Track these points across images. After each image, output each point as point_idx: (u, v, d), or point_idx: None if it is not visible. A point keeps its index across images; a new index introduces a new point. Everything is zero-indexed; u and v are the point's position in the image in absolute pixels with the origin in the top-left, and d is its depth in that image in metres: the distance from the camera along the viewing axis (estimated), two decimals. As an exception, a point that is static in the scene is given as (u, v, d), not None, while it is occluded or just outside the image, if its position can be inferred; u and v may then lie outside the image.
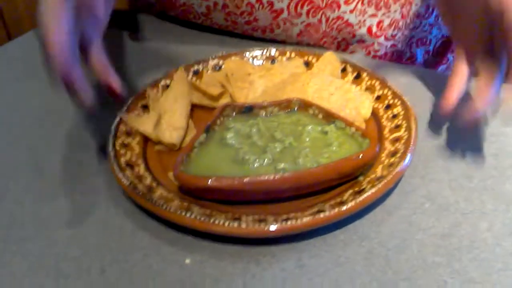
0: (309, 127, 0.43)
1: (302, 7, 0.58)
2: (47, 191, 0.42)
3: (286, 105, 0.46)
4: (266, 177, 0.37)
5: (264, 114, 0.45)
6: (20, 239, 0.38)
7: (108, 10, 0.46)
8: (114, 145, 0.42)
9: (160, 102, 0.48)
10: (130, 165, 0.41)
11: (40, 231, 0.39)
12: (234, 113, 0.45)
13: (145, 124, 0.45)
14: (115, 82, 0.41)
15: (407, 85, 0.53)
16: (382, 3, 0.59)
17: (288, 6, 0.58)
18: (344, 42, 0.61)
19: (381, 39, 0.61)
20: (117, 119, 0.45)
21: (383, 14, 0.59)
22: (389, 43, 0.62)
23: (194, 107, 0.49)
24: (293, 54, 0.54)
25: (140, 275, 0.35)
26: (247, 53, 0.55)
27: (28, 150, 0.47)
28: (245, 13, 0.60)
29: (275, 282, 0.35)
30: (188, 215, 0.36)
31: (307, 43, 0.62)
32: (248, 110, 0.45)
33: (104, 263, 0.36)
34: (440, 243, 0.37)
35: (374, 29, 0.60)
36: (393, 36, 0.62)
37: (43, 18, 0.37)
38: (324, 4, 0.58)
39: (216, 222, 0.35)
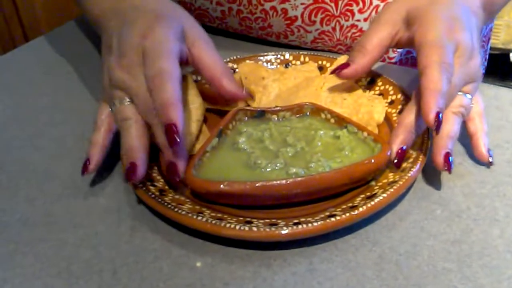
0: (321, 132, 0.43)
1: (316, 15, 0.58)
2: (59, 192, 0.43)
3: (298, 110, 0.46)
4: (277, 182, 0.37)
5: (276, 118, 0.45)
6: (31, 239, 0.39)
7: None
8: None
9: None
10: (143, 167, 0.42)
11: (52, 232, 0.39)
12: (246, 118, 0.45)
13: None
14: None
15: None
16: None
17: (302, 14, 0.58)
18: None
19: None
20: None
21: None
22: (403, 51, 0.62)
23: (207, 112, 0.49)
24: (307, 59, 0.55)
25: (151, 277, 0.35)
26: (261, 57, 0.55)
27: (41, 151, 0.48)
28: (259, 19, 0.60)
29: (285, 286, 0.35)
30: (199, 218, 0.36)
31: (321, 50, 0.62)
32: (260, 114, 0.45)
33: (115, 265, 0.36)
34: (451, 249, 0.37)
35: None
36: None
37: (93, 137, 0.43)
38: (338, 12, 0.58)
39: (227, 225, 0.35)
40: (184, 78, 0.50)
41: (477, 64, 0.44)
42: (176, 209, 0.37)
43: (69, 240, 0.39)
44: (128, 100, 0.41)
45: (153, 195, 0.38)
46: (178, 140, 0.36)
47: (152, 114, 0.39)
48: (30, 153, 0.48)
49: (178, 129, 0.36)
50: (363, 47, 0.45)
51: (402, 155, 0.40)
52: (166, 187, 0.40)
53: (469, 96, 0.43)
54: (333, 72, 0.46)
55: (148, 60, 0.40)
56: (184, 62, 0.45)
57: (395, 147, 0.40)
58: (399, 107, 0.48)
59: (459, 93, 0.43)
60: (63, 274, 0.36)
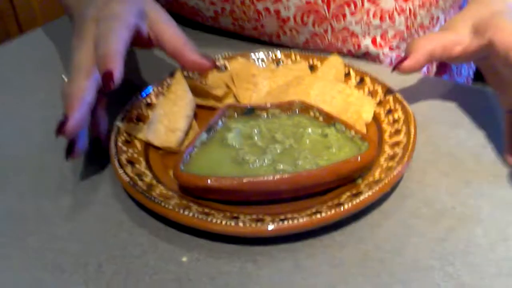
0: (310, 130, 0.43)
1: (308, 16, 0.58)
2: (48, 186, 0.43)
3: (287, 107, 0.46)
4: (265, 178, 0.37)
5: (265, 115, 0.46)
6: (19, 233, 0.39)
7: None
8: (116, 142, 0.43)
9: (159, 107, 0.48)
10: (131, 162, 0.42)
11: (40, 225, 0.39)
12: (236, 114, 0.46)
13: (142, 131, 0.45)
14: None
15: (409, 91, 0.53)
16: (387, 15, 0.59)
17: (294, 16, 0.58)
18: (349, 55, 0.62)
19: (386, 49, 0.62)
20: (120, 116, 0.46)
21: (388, 25, 0.60)
22: (394, 54, 0.63)
23: (198, 108, 0.50)
24: (298, 57, 0.55)
25: (137, 272, 0.36)
26: (253, 55, 0.55)
27: (32, 145, 0.48)
28: (252, 20, 0.61)
29: (271, 281, 0.35)
30: (186, 213, 0.36)
31: (313, 51, 0.62)
32: (250, 111, 0.46)
33: (101, 258, 0.37)
34: (435, 248, 0.38)
35: (379, 39, 0.61)
36: (397, 46, 0.62)
37: (71, 75, 0.40)
38: (330, 15, 0.58)
39: (214, 220, 0.36)
40: (174, 74, 0.50)
41: None
42: (163, 204, 0.37)
43: (58, 234, 0.39)
44: None
45: (140, 190, 0.38)
46: (112, 87, 0.37)
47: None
48: (21, 147, 0.48)
49: (113, 76, 0.37)
50: (421, 46, 0.46)
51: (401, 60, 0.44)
52: (154, 181, 0.40)
53: None
54: (394, 67, 0.47)
55: (100, 23, 0.41)
56: (146, 41, 0.46)
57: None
58: (387, 107, 0.48)
59: None
60: (49, 267, 0.36)
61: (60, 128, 0.38)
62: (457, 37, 0.46)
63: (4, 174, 0.44)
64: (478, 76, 0.76)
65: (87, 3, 0.45)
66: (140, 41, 0.45)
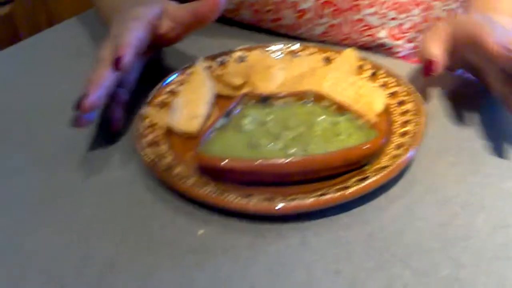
0: (321, 118, 0.46)
1: (325, 9, 0.61)
2: (79, 163, 0.47)
3: (301, 97, 0.48)
4: (276, 161, 0.40)
5: (280, 104, 0.48)
6: (52, 204, 0.43)
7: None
8: (141, 125, 0.46)
9: (181, 94, 0.51)
10: (154, 143, 0.45)
11: (70, 198, 0.43)
12: (252, 102, 0.48)
13: (165, 116, 0.48)
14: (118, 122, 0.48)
15: (422, 84, 0.55)
16: (403, 7, 0.61)
17: (312, 8, 0.61)
18: (365, 46, 0.64)
19: (401, 41, 0.63)
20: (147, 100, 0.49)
21: (404, 17, 0.62)
22: (409, 46, 0.64)
23: (218, 96, 0.52)
24: (313, 50, 0.57)
25: (158, 241, 0.39)
26: (271, 47, 0.58)
27: (63, 128, 0.51)
28: (271, 12, 0.63)
29: (278, 256, 0.38)
30: (203, 190, 0.39)
31: (330, 43, 0.64)
32: (265, 99, 0.48)
33: (125, 229, 0.40)
34: (437, 231, 0.40)
35: (395, 31, 0.62)
36: (413, 39, 0.64)
37: (90, 76, 0.46)
38: (346, 6, 0.60)
39: (228, 197, 0.39)
40: (195, 64, 0.53)
41: None
42: (182, 182, 0.40)
43: (85, 206, 0.42)
44: None
45: (162, 169, 0.41)
46: (121, 70, 0.44)
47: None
48: (56, 128, 0.51)
49: (122, 61, 0.44)
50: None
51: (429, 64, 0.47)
52: (174, 162, 0.43)
53: None
54: (424, 73, 0.49)
55: (121, 24, 0.49)
56: (167, 35, 0.52)
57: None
58: (399, 98, 0.50)
59: None
60: (78, 234, 0.40)
61: (78, 105, 0.43)
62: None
63: (39, 150, 0.48)
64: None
65: (116, 10, 0.53)
66: (161, 37, 0.52)
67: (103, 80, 0.45)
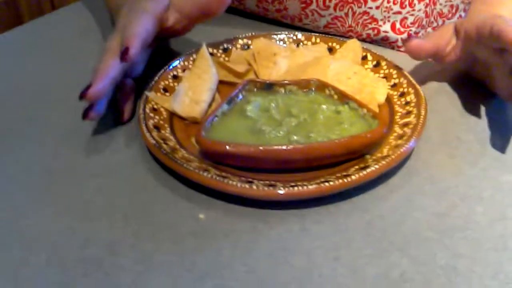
0: (324, 106, 0.46)
1: (330, 0, 0.61)
2: (81, 146, 0.47)
3: (304, 85, 0.49)
4: (279, 147, 0.40)
5: (283, 91, 0.49)
6: (54, 186, 0.43)
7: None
8: (144, 108, 0.46)
9: (184, 79, 0.51)
10: (157, 127, 0.45)
11: (73, 180, 0.43)
12: (255, 89, 0.49)
13: (169, 101, 0.49)
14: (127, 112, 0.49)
15: (424, 76, 0.56)
16: (407, 1, 0.61)
17: None
18: (368, 39, 0.64)
19: (405, 35, 0.64)
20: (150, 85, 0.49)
21: (407, 12, 0.62)
22: None
23: (221, 83, 0.53)
24: (318, 40, 0.57)
25: (159, 225, 0.39)
26: (275, 35, 0.58)
27: (68, 109, 0.51)
28: (276, 2, 0.63)
29: (279, 241, 0.38)
30: (205, 174, 0.39)
31: (334, 35, 0.65)
32: (269, 86, 0.49)
33: (127, 211, 0.40)
34: (436, 221, 0.40)
35: (398, 25, 0.63)
36: (416, 33, 0.64)
37: (97, 65, 0.46)
38: None
39: (230, 182, 0.39)
40: (199, 50, 0.54)
41: None
42: (185, 165, 0.40)
43: (87, 189, 0.42)
44: None
45: (165, 152, 0.42)
46: (128, 60, 0.44)
47: None
48: (58, 111, 0.51)
49: (129, 52, 0.44)
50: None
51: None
52: (177, 146, 0.44)
53: None
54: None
55: (129, 14, 0.50)
56: (173, 27, 0.53)
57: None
58: (401, 89, 0.50)
59: None
60: (79, 217, 0.40)
61: (83, 94, 0.44)
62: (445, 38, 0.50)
63: (42, 133, 0.48)
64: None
65: (123, 2, 0.53)
66: (168, 29, 0.52)
67: (110, 70, 0.45)
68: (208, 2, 0.51)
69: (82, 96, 0.44)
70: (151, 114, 0.46)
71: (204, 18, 0.53)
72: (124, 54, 0.44)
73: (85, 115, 0.45)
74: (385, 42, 0.64)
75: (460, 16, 0.66)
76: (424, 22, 0.64)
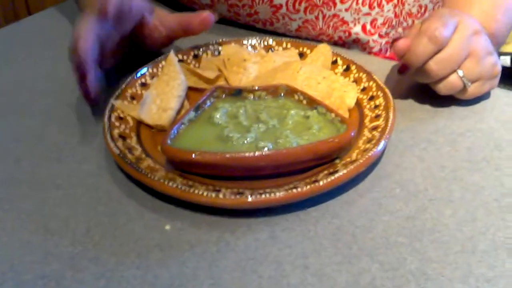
0: (293, 111, 0.45)
1: (300, 3, 0.60)
2: (44, 155, 0.45)
3: (273, 90, 0.48)
4: (246, 154, 0.40)
5: (252, 97, 0.48)
6: (15, 197, 0.41)
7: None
8: (110, 117, 0.45)
9: (152, 87, 0.50)
10: (123, 137, 0.44)
11: (35, 191, 0.42)
12: (224, 95, 0.48)
13: (135, 109, 0.48)
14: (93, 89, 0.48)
15: (393, 80, 0.55)
16: (375, 3, 0.61)
17: (286, 3, 0.61)
18: (340, 42, 0.64)
19: (375, 36, 0.64)
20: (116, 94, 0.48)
21: (377, 13, 0.62)
22: (383, 41, 0.65)
23: (191, 90, 0.52)
24: (289, 45, 0.57)
25: (122, 237, 0.38)
26: (246, 41, 0.57)
27: (32, 117, 0.50)
28: (246, 6, 0.63)
29: (247, 250, 0.37)
30: (171, 184, 0.39)
31: (306, 38, 0.65)
32: (238, 93, 0.48)
33: (90, 224, 0.39)
34: (405, 225, 0.40)
35: (368, 27, 0.63)
36: (386, 33, 0.64)
37: (77, 27, 0.47)
38: (321, 2, 0.60)
39: (197, 192, 0.38)
40: (168, 57, 0.53)
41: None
42: (150, 176, 0.39)
43: (49, 200, 0.41)
44: None
45: (129, 162, 0.41)
46: (105, 18, 0.46)
47: None
48: (22, 118, 0.50)
49: (106, 11, 0.46)
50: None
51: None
52: (143, 155, 0.43)
53: None
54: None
55: None
56: (150, 29, 0.54)
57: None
58: (370, 93, 0.50)
59: None
60: (40, 230, 0.39)
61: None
62: None
63: (4, 142, 0.47)
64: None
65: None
66: (145, 32, 0.54)
67: (90, 27, 0.46)
68: (189, 20, 0.52)
69: (73, 52, 0.45)
70: (117, 123, 0.45)
71: (183, 34, 0.53)
72: (101, 10, 0.45)
73: (86, 93, 0.46)
74: (356, 43, 0.64)
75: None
76: (394, 23, 0.64)
